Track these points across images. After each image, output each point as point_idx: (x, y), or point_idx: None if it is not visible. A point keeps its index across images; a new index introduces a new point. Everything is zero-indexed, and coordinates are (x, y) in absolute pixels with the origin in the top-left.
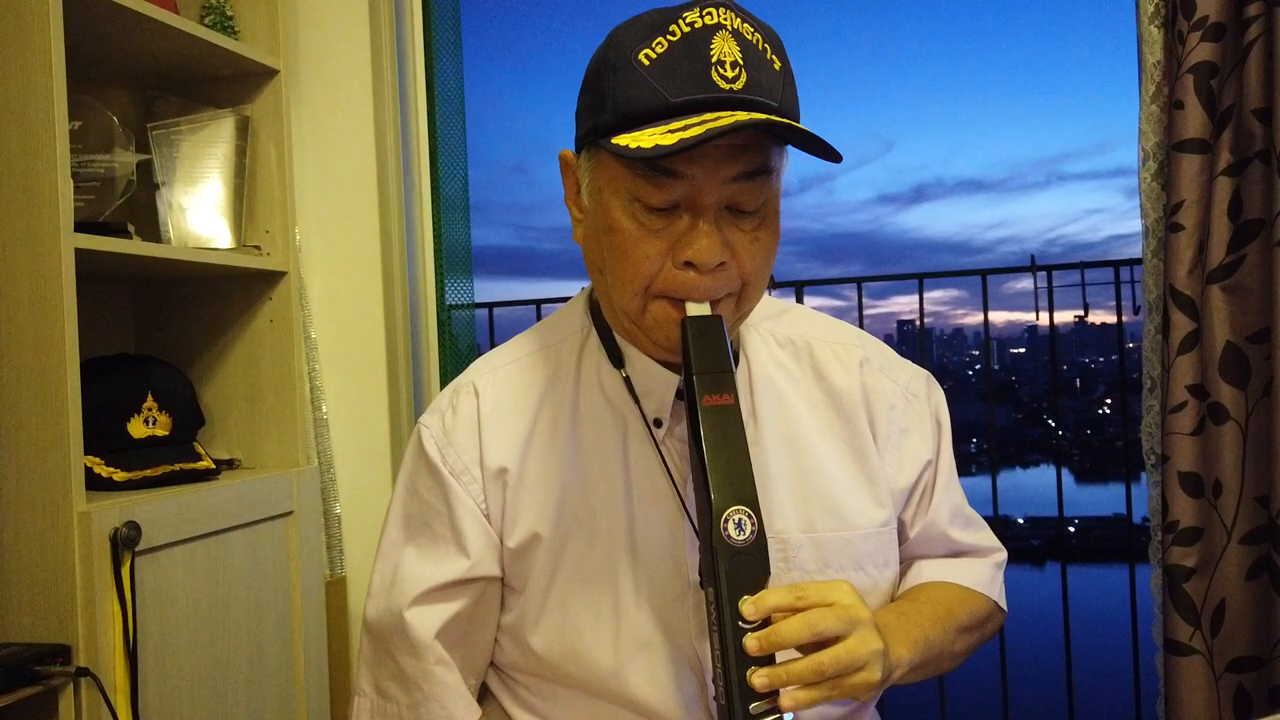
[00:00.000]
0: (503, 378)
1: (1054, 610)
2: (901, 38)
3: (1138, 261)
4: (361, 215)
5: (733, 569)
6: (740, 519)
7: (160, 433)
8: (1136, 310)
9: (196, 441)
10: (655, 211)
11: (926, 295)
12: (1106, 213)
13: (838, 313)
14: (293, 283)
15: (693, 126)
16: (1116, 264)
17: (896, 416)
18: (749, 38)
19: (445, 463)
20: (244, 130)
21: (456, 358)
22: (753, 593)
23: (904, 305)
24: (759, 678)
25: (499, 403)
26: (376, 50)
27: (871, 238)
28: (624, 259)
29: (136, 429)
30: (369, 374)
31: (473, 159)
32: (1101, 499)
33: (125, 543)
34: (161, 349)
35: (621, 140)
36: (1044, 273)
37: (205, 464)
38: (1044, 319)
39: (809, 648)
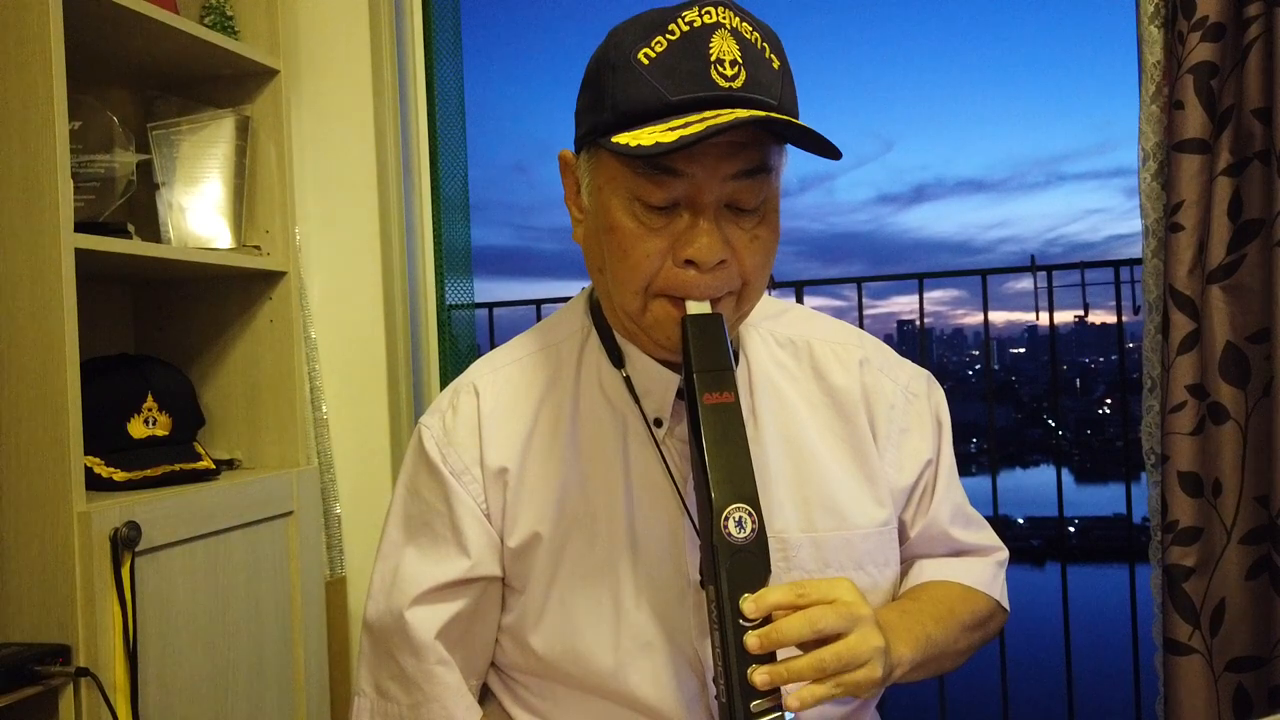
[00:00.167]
0: (503, 378)
1: (1054, 610)
2: (901, 38)
3: (1138, 261)
4: (361, 215)
5: (733, 567)
6: (741, 517)
7: (160, 433)
8: (1136, 310)
9: (196, 441)
10: (655, 210)
11: (926, 295)
12: (1106, 213)
13: (838, 313)
14: (293, 283)
15: (692, 124)
16: (1116, 264)
17: (896, 416)
18: (748, 36)
19: (446, 463)
20: (244, 130)
21: (456, 358)
22: (753, 591)
23: (904, 305)
24: (760, 675)
25: (499, 403)
26: (376, 50)
27: (871, 238)
28: (624, 258)
29: (136, 429)
30: (369, 374)
31: (473, 159)
32: (1101, 499)
33: (125, 543)
34: (161, 349)
35: (621, 139)
36: (1044, 273)
37: (205, 464)
38: (1044, 319)
39: (810, 645)
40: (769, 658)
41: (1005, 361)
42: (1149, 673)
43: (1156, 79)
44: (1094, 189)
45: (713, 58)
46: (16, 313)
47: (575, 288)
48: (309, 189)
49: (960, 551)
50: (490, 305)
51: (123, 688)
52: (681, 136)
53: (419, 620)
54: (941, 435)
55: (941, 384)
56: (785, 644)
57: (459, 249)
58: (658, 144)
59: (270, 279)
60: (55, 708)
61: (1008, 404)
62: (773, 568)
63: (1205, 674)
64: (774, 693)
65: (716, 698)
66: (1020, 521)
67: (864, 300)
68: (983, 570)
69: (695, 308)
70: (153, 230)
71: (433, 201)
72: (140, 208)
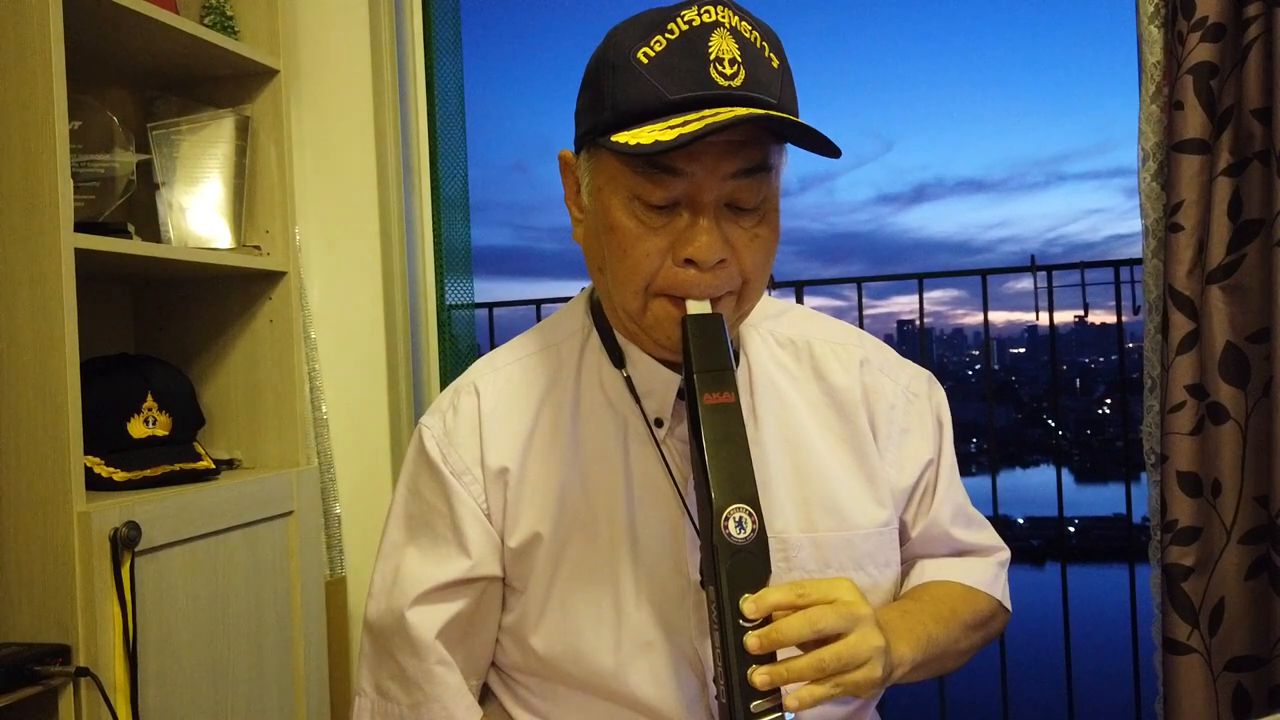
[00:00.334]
0: (504, 378)
1: (1054, 610)
2: (901, 38)
3: (1138, 261)
4: (361, 215)
5: (733, 567)
6: (741, 517)
7: (160, 433)
8: (1136, 310)
9: (196, 441)
10: (655, 209)
11: (926, 295)
12: (1106, 213)
13: (838, 313)
14: (293, 283)
15: (692, 123)
16: (1116, 264)
17: (897, 416)
18: (747, 35)
19: (446, 463)
20: (244, 130)
21: (456, 358)
22: (753, 591)
23: (904, 305)
24: (760, 676)
25: (500, 403)
26: (376, 51)
27: (871, 238)
28: (624, 257)
29: (136, 429)
30: (369, 374)
31: (473, 159)
32: (1101, 499)
33: (125, 543)
34: (161, 349)
35: (621, 138)
36: (1044, 273)
37: (205, 464)
38: (1044, 319)
39: (810, 645)
40: (769, 658)
41: (1005, 361)
42: (1148, 672)
43: (1156, 79)
44: (1094, 189)
45: (712, 56)
46: (16, 313)
47: (575, 288)
48: (309, 189)
49: (962, 551)
50: (490, 305)
51: (122, 688)
52: (680, 135)
53: (420, 620)
54: (942, 435)
55: (941, 384)
56: (785, 644)
57: (459, 249)
58: (657, 143)
59: (270, 279)
60: (55, 708)
61: (1008, 404)
62: (773, 568)
63: (1204, 673)
64: (774, 693)
65: (717, 698)
66: (1020, 521)
67: (864, 300)
68: (984, 570)
69: (695, 307)
70: (153, 230)
71: (433, 201)
72: (140, 208)
